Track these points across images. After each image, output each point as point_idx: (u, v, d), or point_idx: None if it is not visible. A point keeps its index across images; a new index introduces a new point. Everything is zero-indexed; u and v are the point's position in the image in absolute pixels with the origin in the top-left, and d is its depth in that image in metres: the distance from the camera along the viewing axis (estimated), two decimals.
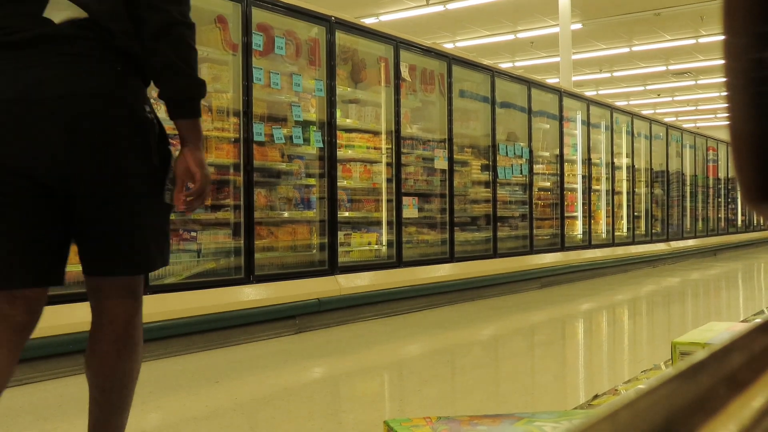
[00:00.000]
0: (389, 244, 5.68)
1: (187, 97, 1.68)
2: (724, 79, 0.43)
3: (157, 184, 1.68)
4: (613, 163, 9.68)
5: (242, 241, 4.43)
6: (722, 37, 0.43)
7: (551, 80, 12.38)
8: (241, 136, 4.47)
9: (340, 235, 5.22)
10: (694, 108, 25.98)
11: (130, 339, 1.71)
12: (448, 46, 11.93)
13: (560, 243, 8.08)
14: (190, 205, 1.71)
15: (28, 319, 1.60)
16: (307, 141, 4.96)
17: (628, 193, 10.19)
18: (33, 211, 1.57)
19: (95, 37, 1.56)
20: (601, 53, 17.40)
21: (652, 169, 10.90)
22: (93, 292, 1.70)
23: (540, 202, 7.95)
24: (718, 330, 2.16)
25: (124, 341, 1.70)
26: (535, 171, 7.74)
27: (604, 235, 9.44)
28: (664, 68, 19.35)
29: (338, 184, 5.13)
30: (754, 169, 0.43)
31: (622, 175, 10.19)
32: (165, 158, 1.71)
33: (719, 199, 14.15)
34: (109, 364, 1.70)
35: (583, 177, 8.85)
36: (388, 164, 5.71)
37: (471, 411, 2.75)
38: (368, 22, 9.32)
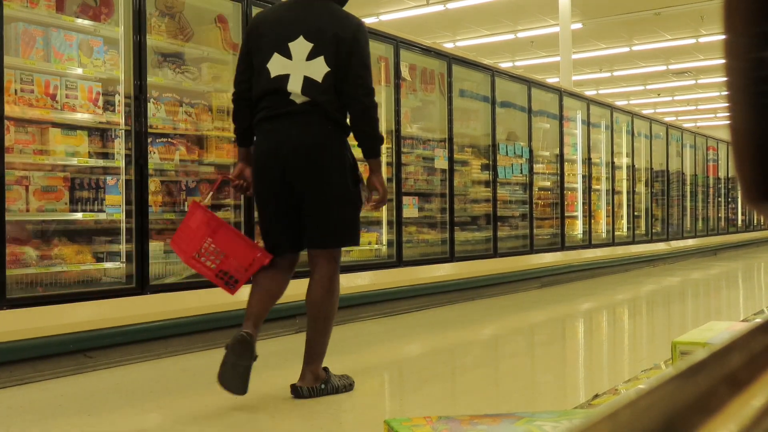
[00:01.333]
0: (389, 243, 5.68)
1: (371, 147, 2.95)
2: (725, 79, 0.43)
3: (348, 193, 2.90)
4: (613, 162, 9.68)
5: None
6: (722, 37, 0.43)
7: (551, 80, 12.37)
8: None
9: None
10: (694, 107, 25.98)
11: (330, 288, 2.91)
12: (448, 46, 11.93)
13: (560, 243, 8.07)
14: (375, 206, 3.07)
15: (290, 269, 3.01)
16: None
17: (628, 192, 10.19)
18: (289, 211, 2.89)
19: (317, 112, 2.82)
20: (601, 53, 17.40)
21: (652, 168, 10.90)
22: (311, 258, 2.95)
23: (540, 201, 7.94)
24: (718, 329, 2.16)
25: (326, 289, 2.90)
26: (535, 170, 7.74)
27: (604, 235, 9.44)
28: (664, 68, 19.35)
29: None
30: (754, 169, 0.43)
31: (622, 174, 10.18)
32: (356, 178, 2.95)
33: (719, 199, 14.14)
34: (318, 303, 2.90)
35: (583, 176, 8.85)
36: (388, 164, 5.70)
37: (471, 410, 2.75)
38: (368, 21, 9.32)
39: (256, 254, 2.90)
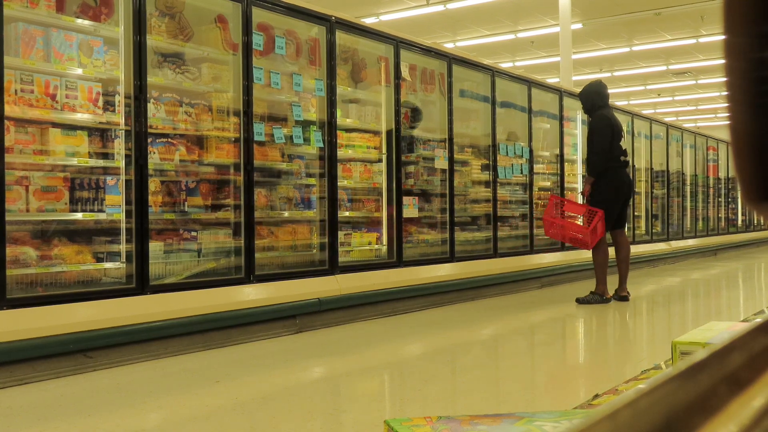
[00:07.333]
0: (389, 243, 5.68)
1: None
2: (725, 79, 0.43)
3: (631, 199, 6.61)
4: None
5: (242, 241, 4.43)
6: (722, 37, 0.43)
7: (551, 80, 12.37)
8: (242, 135, 4.47)
9: (340, 234, 5.21)
10: (694, 108, 25.96)
11: (628, 246, 6.20)
12: (448, 46, 11.92)
13: (560, 243, 8.06)
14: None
15: (606, 239, 6.19)
16: (307, 141, 4.96)
17: None
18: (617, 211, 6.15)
19: (628, 166, 6.29)
20: (601, 53, 17.39)
21: (652, 168, 10.90)
22: (614, 235, 6.16)
23: (540, 201, 7.94)
24: (719, 330, 2.16)
25: (626, 247, 6.16)
26: (535, 171, 7.74)
27: None
28: (664, 68, 19.34)
29: (338, 183, 5.13)
30: (754, 169, 0.43)
31: None
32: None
33: (719, 199, 14.13)
34: (623, 256, 6.10)
35: (584, 177, 8.83)
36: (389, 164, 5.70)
37: (471, 411, 2.75)
38: (368, 21, 9.31)
39: (603, 229, 5.85)
